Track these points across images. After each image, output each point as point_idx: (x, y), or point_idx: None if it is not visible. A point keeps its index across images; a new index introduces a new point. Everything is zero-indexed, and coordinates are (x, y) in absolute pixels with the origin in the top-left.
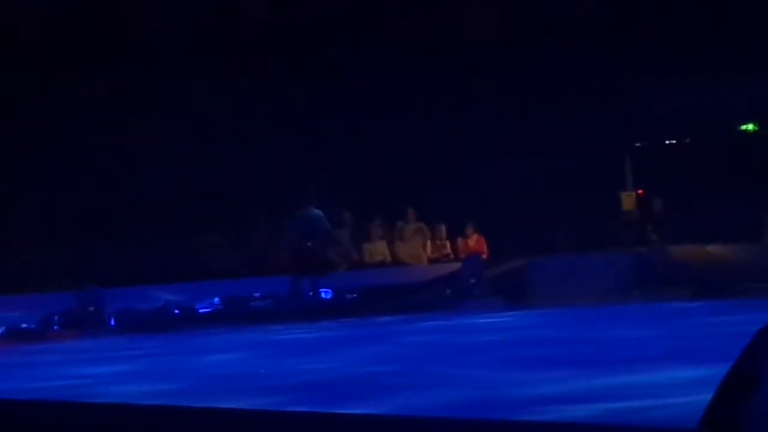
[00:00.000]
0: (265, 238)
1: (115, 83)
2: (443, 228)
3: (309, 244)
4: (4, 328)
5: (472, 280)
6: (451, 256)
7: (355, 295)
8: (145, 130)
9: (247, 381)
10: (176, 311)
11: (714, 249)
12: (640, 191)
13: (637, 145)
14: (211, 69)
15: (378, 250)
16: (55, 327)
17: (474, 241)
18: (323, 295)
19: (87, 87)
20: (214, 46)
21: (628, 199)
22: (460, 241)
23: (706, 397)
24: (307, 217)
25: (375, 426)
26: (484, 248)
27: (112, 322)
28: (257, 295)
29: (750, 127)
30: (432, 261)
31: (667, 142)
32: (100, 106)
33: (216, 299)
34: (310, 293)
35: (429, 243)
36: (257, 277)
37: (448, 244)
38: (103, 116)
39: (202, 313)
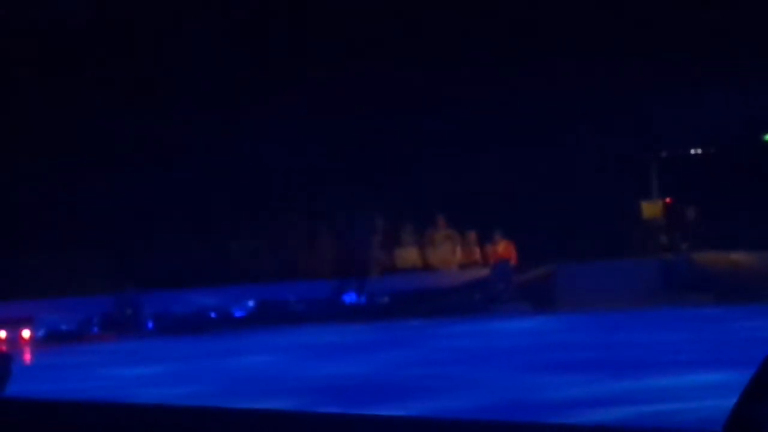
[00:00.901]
0: (301, 243)
1: (155, 89)
2: (473, 234)
3: (354, 246)
4: (44, 330)
5: (501, 286)
6: (481, 261)
7: (386, 299)
8: (185, 136)
9: (280, 383)
10: (212, 314)
11: (738, 256)
12: (668, 199)
13: (663, 155)
14: (244, 73)
15: (409, 255)
16: (94, 329)
17: (503, 247)
18: (359, 298)
19: (125, 90)
20: (248, 49)
21: (649, 208)
22: (489, 247)
23: (730, 401)
24: (352, 221)
25: (405, 428)
26: (513, 254)
27: (150, 325)
28: (292, 298)
29: None
30: (462, 266)
31: (692, 151)
32: (135, 111)
33: (251, 302)
34: (355, 296)
35: (459, 249)
36: (292, 281)
37: (477, 250)
38: (142, 121)
39: (237, 316)
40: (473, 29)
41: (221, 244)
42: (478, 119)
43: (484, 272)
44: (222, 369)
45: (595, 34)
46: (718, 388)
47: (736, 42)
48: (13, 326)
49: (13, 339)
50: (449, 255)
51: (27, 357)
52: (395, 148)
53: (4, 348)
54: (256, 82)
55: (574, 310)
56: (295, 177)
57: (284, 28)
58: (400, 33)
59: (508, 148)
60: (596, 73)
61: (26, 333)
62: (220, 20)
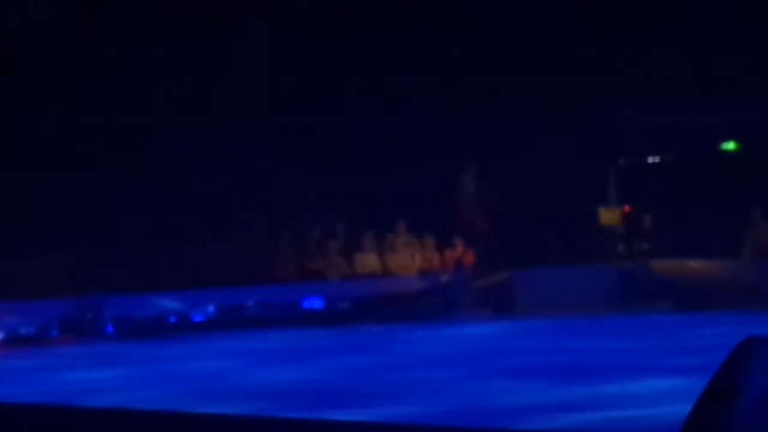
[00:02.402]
0: (262, 248)
1: (113, 91)
2: (432, 240)
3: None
4: (3, 333)
5: (460, 291)
6: (440, 267)
7: (346, 305)
8: (145, 138)
9: (240, 388)
10: (172, 319)
11: (696, 264)
12: (627, 208)
13: (621, 162)
14: (208, 75)
15: (369, 261)
16: (54, 333)
17: (461, 252)
18: (316, 304)
19: (84, 94)
20: (213, 50)
21: (607, 215)
22: (448, 253)
23: (687, 407)
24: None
25: None
26: (472, 260)
27: (110, 329)
28: (251, 303)
29: (731, 146)
30: (421, 272)
31: (650, 160)
32: (99, 113)
33: (211, 307)
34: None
35: (418, 255)
36: (253, 285)
37: (436, 255)
38: (102, 123)
39: (197, 321)
40: (436, 34)
41: (182, 249)
42: (437, 125)
43: (443, 278)
44: (182, 373)
45: (554, 42)
46: (674, 395)
47: (694, 51)
48: None
49: None
50: (409, 261)
51: None
52: (356, 153)
53: None
54: (222, 83)
55: (532, 316)
56: (256, 181)
57: (247, 26)
58: (359, 39)
59: (470, 154)
60: (555, 80)
61: None
62: (173, 16)
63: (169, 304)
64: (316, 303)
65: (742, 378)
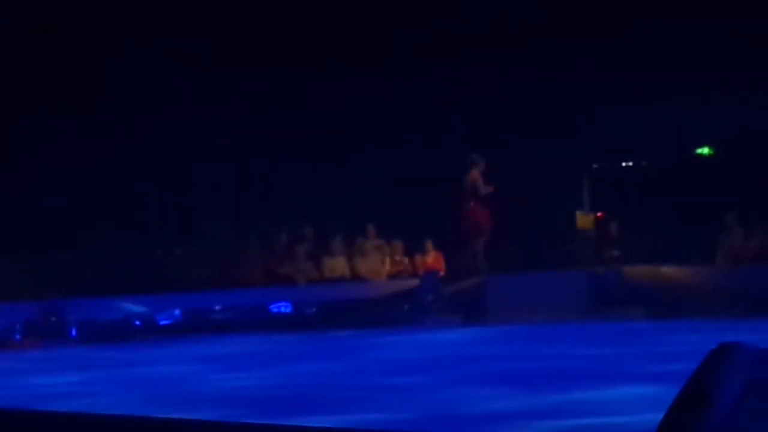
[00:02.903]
0: (229, 252)
1: (78, 91)
2: (401, 245)
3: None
4: None
5: (430, 297)
6: (410, 272)
7: (314, 310)
8: (110, 141)
9: (205, 393)
10: (137, 323)
11: (669, 270)
12: (600, 214)
13: (595, 166)
14: (174, 77)
15: (338, 265)
16: (17, 336)
17: (432, 257)
18: (284, 308)
19: (49, 93)
20: (178, 54)
21: (582, 219)
22: (418, 257)
23: (658, 415)
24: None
25: None
26: (442, 265)
27: (74, 333)
28: (218, 308)
29: (706, 150)
30: (391, 277)
31: (624, 164)
32: (64, 114)
33: (177, 311)
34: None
35: (388, 259)
36: (220, 289)
37: (406, 260)
38: (65, 125)
39: (162, 324)
40: (403, 35)
41: (148, 252)
42: (408, 128)
43: (413, 283)
44: (146, 378)
45: (528, 45)
46: (646, 402)
47: (669, 55)
48: None
49: None
50: (378, 265)
51: None
52: (325, 156)
53: None
54: (188, 86)
55: (503, 322)
56: (224, 185)
57: (214, 30)
58: (329, 44)
59: (440, 158)
60: (529, 83)
61: None
62: (145, 22)
63: (135, 307)
64: (284, 307)
65: (714, 385)
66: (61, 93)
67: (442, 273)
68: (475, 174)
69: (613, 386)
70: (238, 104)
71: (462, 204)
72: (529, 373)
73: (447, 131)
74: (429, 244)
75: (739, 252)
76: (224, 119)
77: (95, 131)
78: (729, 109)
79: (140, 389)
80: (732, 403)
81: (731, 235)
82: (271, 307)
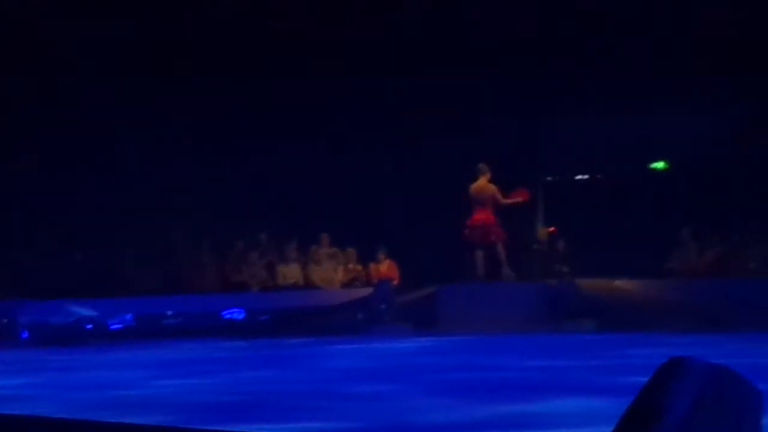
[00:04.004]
0: (183, 257)
1: (33, 95)
2: (355, 253)
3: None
4: None
5: (383, 306)
6: (363, 281)
7: (267, 317)
8: (62, 144)
9: (154, 399)
10: (89, 326)
11: (621, 283)
12: (552, 228)
13: (549, 179)
14: (131, 80)
15: (291, 272)
16: None
17: (386, 266)
18: (237, 315)
19: (7, 92)
20: (139, 54)
21: (540, 232)
22: (372, 266)
23: (608, 428)
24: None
25: None
26: (396, 274)
27: (25, 335)
28: (170, 313)
29: (660, 165)
30: (344, 285)
31: (578, 177)
32: (17, 117)
33: (129, 316)
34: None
35: (342, 267)
36: (173, 294)
37: (360, 269)
38: (17, 128)
39: (114, 329)
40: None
41: (101, 255)
42: (360, 138)
43: (366, 292)
44: (95, 382)
45: (484, 56)
46: (597, 415)
47: (626, 69)
48: None
49: None
50: (332, 273)
51: None
52: (280, 163)
53: None
54: (142, 86)
55: (455, 333)
56: (178, 189)
57: (172, 39)
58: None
59: (395, 167)
60: (484, 94)
61: None
62: (111, 23)
63: (86, 311)
64: (237, 314)
65: (664, 399)
66: (13, 93)
67: (395, 282)
68: (484, 183)
69: (565, 399)
70: (193, 108)
71: (472, 213)
72: (480, 384)
73: (399, 142)
74: (382, 253)
75: (693, 266)
76: (179, 123)
77: (46, 134)
78: (684, 123)
79: (86, 394)
80: (682, 418)
81: (685, 249)
82: (224, 313)
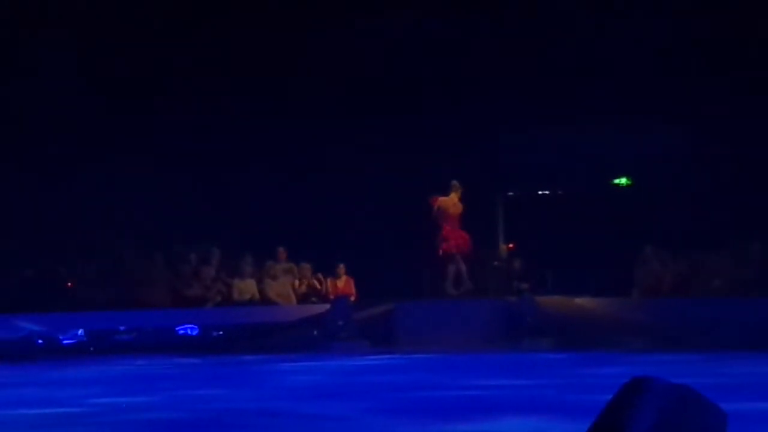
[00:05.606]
0: (136, 272)
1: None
2: (311, 268)
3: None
4: None
5: (340, 322)
6: (320, 297)
7: (221, 333)
8: (13, 153)
9: (102, 416)
10: (39, 341)
11: (583, 301)
12: (511, 245)
13: (510, 194)
14: (92, 98)
15: (247, 287)
16: None
17: (343, 282)
18: (191, 331)
19: None
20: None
21: (503, 248)
22: (329, 281)
23: None
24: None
25: None
26: (353, 290)
27: None
28: (122, 328)
29: (623, 181)
30: (300, 301)
31: (539, 192)
32: None
33: (80, 331)
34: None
35: (298, 283)
36: (125, 310)
37: (316, 284)
38: None
39: (65, 344)
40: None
41: (52, 269)
42: (317, 152)
43: (323, 308)
44: (38, 399)
45: (443, 71)
46: None
47: (588, 83)
48: None
49: None
50: (288, 289)
51: None
52: (235, 176)
53: None
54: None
55: (413, 350)
56: (132, 204)
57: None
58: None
59: (354, 181)
60: (443, 109)
61: None
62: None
63: (36, 326)
64: (190, 330)
65: (626, 417)
66: None
67: (352, 298)
68: (455, 200)
69: (523, 417)
70: (145, 125)
71: (442, 227)
72: (437, 402)
73: (357, 156)
74: (341, 269)
75: (655, 284)
76: (131, 140)
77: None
78: (646, 139)
79: (32, 410)
80: None
81: (648, 266)
82: (178, 329)
